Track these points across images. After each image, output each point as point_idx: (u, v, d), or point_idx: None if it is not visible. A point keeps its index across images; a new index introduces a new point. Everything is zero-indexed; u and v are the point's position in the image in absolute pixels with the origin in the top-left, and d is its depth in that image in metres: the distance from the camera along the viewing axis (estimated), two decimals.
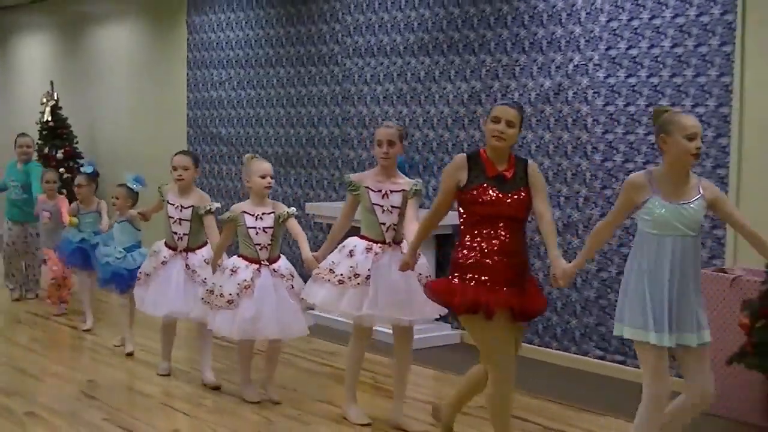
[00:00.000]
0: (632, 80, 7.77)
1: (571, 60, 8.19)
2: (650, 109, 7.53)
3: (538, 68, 8.45)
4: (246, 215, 6.76)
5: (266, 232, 6.75)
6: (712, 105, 7.28)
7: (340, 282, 6.22)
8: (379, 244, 6.28)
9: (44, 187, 10.02)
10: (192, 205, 7.38)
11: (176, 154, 7.57)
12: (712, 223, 7.21)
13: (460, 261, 5.36)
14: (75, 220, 9.28)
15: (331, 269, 6.30)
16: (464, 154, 5.48)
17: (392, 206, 6.28)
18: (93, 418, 6.75)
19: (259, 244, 6.75)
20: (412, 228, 6.03)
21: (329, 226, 8.79)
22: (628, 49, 7.79)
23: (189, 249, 7.46)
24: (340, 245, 6.43)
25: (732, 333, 6.42)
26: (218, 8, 12.10)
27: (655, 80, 7.62)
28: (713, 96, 7.27)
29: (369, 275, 6.17)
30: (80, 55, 15.18)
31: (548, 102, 8.37)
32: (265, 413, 6.83)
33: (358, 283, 6.17)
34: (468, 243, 5.34)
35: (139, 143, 13.54)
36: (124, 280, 8.27)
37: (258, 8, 11.50)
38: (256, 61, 11.59)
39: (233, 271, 6.72)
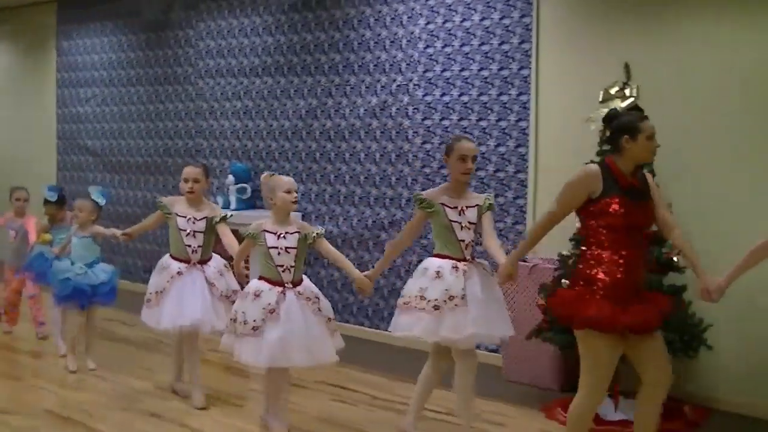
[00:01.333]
0: (446, 98, 7.74)
1: (394, 81, 8.13)
2: (462, 122, 7.58)
3: (366, 88, 8.36)
4: (267, 234, 5.42)
5: (289, 253, 5.40)
6: (513, 120, 7.32)
7: (436, 308, 5.06)
8: (462, 262, 5.18)
9: (14, 205, 8.07)
10: (206, 217, 6.20)
11: (187, 166, 6.29)
12: (514, 219, 7.28)
13: (589, 273, 4.49)
14: (48, 236, 7.53)
15: (421, 296, 5.12)
16: (596, 165, 4.57)
17: (469, 222, 5.24)
18: None
19: (282, 266, 5.39)
20: (495, 243, 5.19)
21: None
22: (442, 71, 7.77)
23: (202, 261, 6.23)
24: (422, 267, 5.27)
25: (531, 312, 6.46)
26: (84, 34, 11.61)
27: (465, 98, 7.62)
28: (514, 112, 7.31)
29: (464, 295, 5.08)
30: None
31: (375, 117, 8.29)
32: (115, 387, 6.57)
33: (456, 305, 5.04)
34: (597, 255, 4.49)
35: (13, 154, 12.85)
36: (86, 297, 6.95)
37: (120, 34, 11.08)
38: (118, 80, 11.14)
39: (257, 295, 5.35)
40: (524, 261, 6.91)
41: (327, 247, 5.53)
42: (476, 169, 7.43)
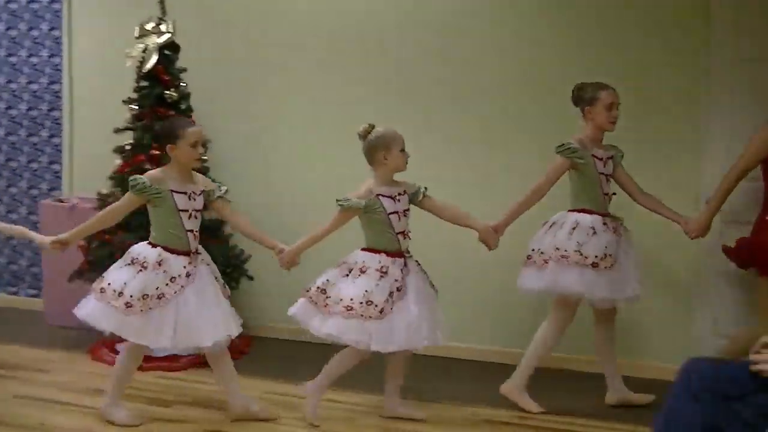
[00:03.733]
0: None
1: None
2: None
3: None
4: (384, 198, 4.30)
5: (406, 216, 4.37)
6: (45, 55, 6.52)
7: (594, 265, 4.38)
8: (608, 218, 4.54)
9: None
10: (203, 190, 4.39)
11: (191, 126, 4.34)
12: (49, 159, 6.54)
13: None
14: None
15: (578, 251, 4.40)
16: None
17: (609, 174, 4.60)
18: None
19: (402, 232, 4.33)
20: (651, 196, 4.63)
21: None
22: None
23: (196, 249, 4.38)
24: (570, 221, 4.50)
25: (70, 254, 5.71)
26: None
27: None
28: (46, 48, 6.51)
29: (617, 254, 4.47)
30: None
31: None
32: None
33: (612, 264, 4.41)
34: None
35: None
36: None
37: None
38: None
39: (383, 272, 4.23)
40: (62, 201, 6.26)
41: (436, 202, 4.47)
42: (7, 107, 6.65)
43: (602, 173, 4.55)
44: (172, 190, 4.26)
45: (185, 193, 4.29)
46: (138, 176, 4.26)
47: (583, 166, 4.52)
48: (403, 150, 4.32)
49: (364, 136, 4.34)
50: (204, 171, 5.47)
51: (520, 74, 5.42)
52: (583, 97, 4.56)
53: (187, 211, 4.29)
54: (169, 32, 5.58)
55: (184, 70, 5.62)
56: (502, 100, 5.46)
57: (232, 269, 5.44)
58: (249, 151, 5.97)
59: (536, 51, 5.38)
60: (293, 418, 4.45)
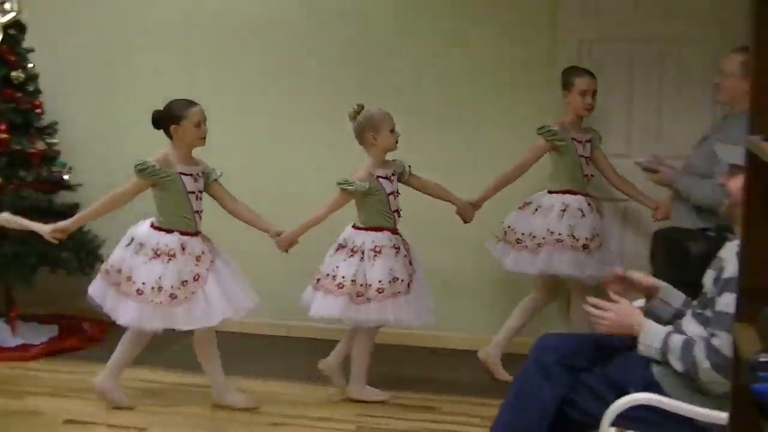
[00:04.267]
0: None
1: None
2: None
3: None
4: (382, 180, 4.33)
5: (399, 195, 4.42)
6: None
7: (585, 247, 4.56)
8: (588, 198, 4.70)
9: None
10: (203, 171, 4.27)
11: (192, 105, 4.15)
12: None
13: None
14: None
15: (571, 234, 4.55)
16: None
17: (587, 156, 4.71)
18: None
19: (396, 210, 4.39)
20: (629, 182, 4.77)
21: None
22: None
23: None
24: (558, 203, 4.62)
25: None
26: None
27: None
28: None
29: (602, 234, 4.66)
30: None
31: None
32: None
33: (600, 244, 4.64)
34: None
35: None
36: None
37: None
38: None
39: (396, 249, 4.33)
40: None
41: (420, 180, 4.53)
42: None
43: (581, 155, 4.70)
44: (180, 173, 4.15)
45: (191, 174, 4.19)
46: (145, 160, 4.09)
47: (563, 147, 4.65)
48: (392, 130, 4.32)
49: (353, 117, 4.32)
50: (54, 156, 5.32)
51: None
52: (563, 81, 4.71)
53: (193, 192, 4.20)
54: (13, 11, 5.34)
55: (32, 50, 5.39)
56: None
57: (86, 255, 5.30)
58: (100, 133, 5.74)
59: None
60: (150, 404, 4.38)
